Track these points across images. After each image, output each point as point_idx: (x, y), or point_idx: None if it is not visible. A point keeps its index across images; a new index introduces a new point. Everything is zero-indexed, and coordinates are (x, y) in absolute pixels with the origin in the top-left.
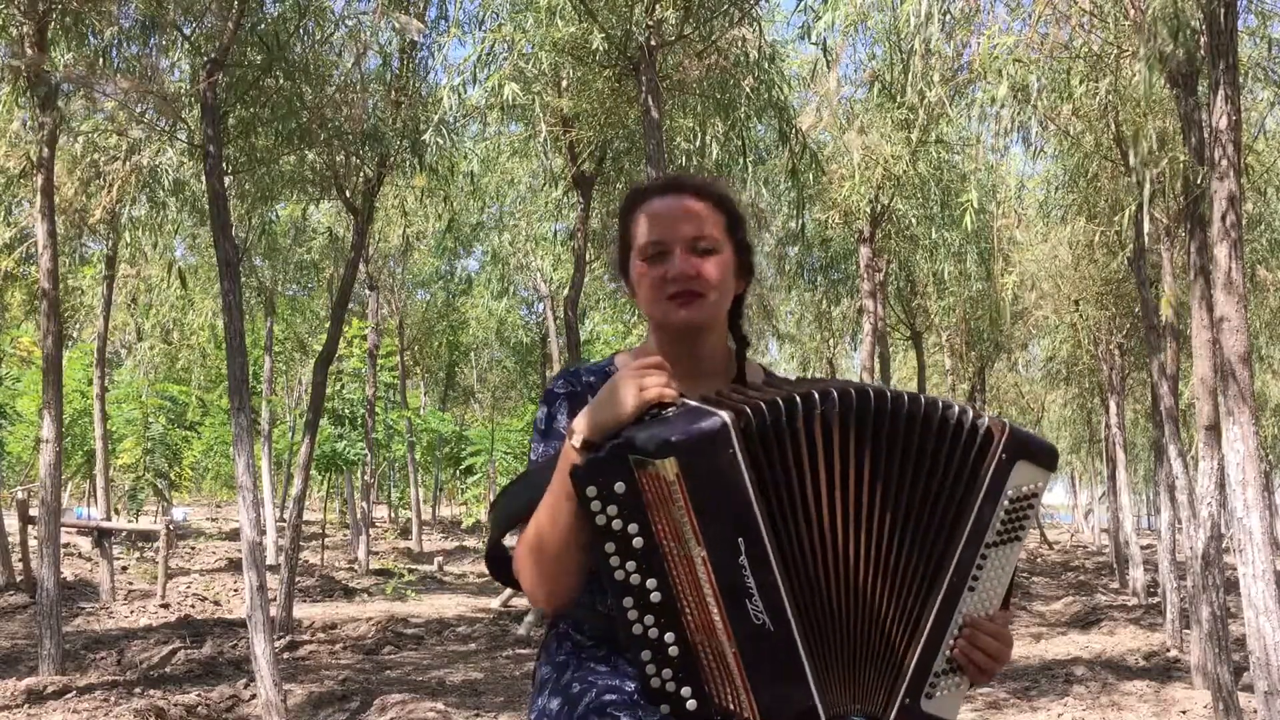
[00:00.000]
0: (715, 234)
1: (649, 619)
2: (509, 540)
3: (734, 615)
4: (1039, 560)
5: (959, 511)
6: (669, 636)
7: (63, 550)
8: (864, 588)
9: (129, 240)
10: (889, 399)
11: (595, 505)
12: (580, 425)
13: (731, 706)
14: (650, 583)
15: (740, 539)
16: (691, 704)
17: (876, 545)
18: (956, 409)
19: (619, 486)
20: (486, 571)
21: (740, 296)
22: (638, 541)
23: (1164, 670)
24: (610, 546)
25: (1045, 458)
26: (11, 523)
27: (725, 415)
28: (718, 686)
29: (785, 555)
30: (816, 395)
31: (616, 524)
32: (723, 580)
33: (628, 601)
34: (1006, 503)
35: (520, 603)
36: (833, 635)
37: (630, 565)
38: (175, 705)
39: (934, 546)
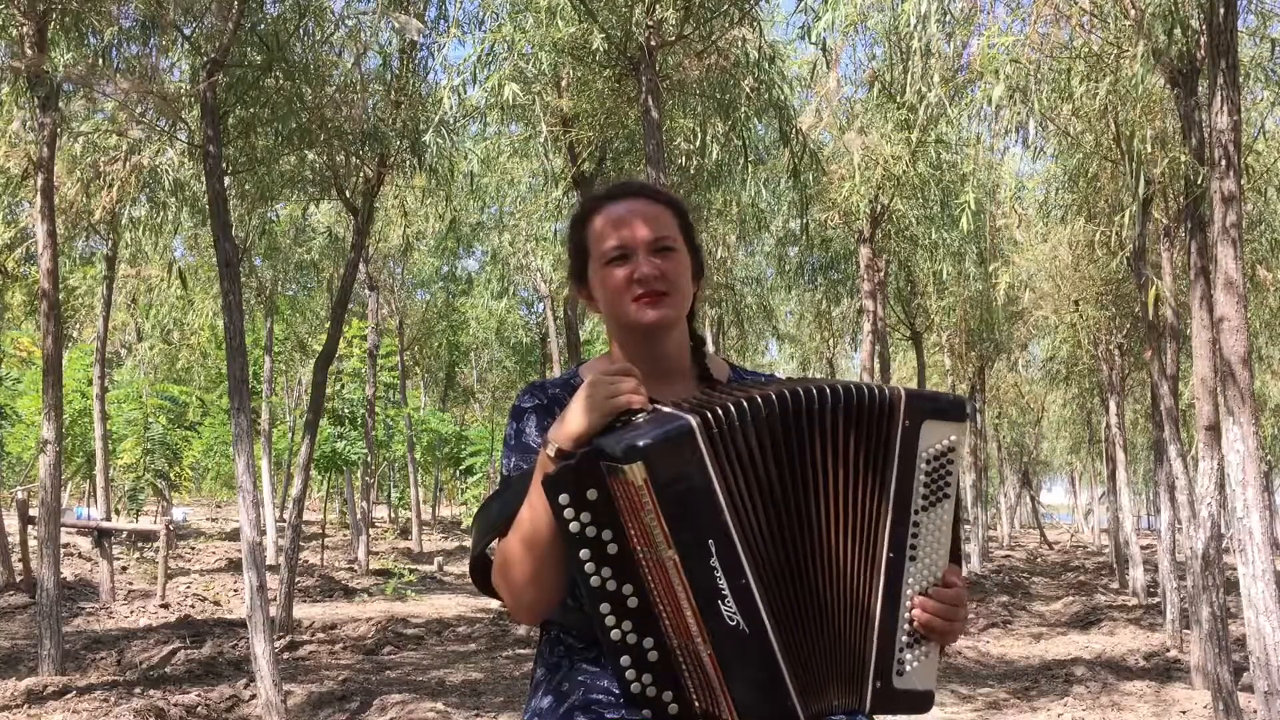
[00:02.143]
0: (673, 235)
1: (627, 624)
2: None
3: (709, 618)
4: (1039, 560)
5: (881, 488)
6: (648, 641)
7: (63, 550)
8: (829, 580)
9: (129, 240)
10: (832, 393)
11: (568, 513)
12: (553, 435)
13: (711, 709)
14: (627, 588)
15: (711, 541)
16: (673, 708)
17: (835, 537)
18: (866, 390)
19: (591, 493)
20: (479, 590)
21: (693, 298)
22: (612, 548)
23: (1164, 670)
24: (585, 553)
25: (951, 411)
26: (11, 523)
27: (691, 419)
28: (697, 690)
29: (756, 556)
30: (775, 395)
31: (590, 531)
32: (696, 583)
33: (605, 607)
34: (924, 465)
35: None
36: (807, 632)
37: (606, 571)
38: (175, 705)
39: (869, 528)
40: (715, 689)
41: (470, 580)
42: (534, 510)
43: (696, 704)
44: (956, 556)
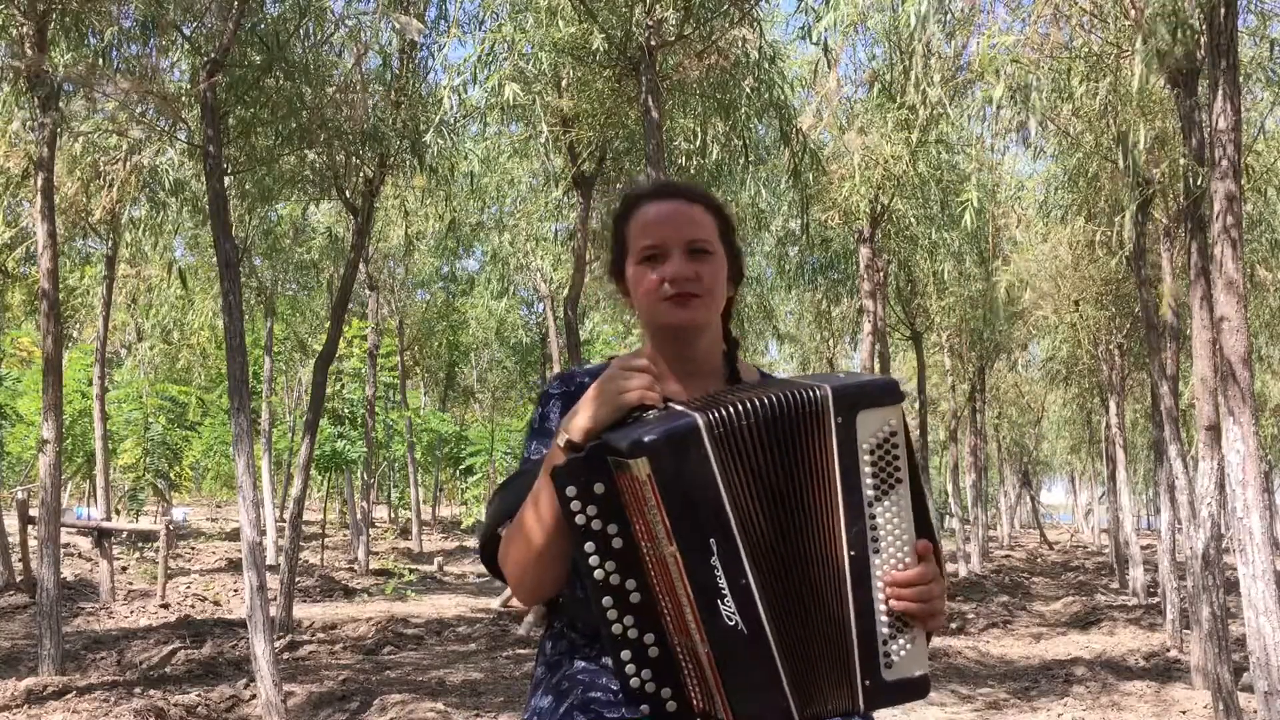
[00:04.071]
0: (710, 237)
1: (629, 619)
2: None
3: (707, 616)
4: (1039, 560)
5: (828, 488)
6: (649, 637)
7: (63, 550)
8: (812, 583)
9: (129, 240)
10: (833, 394)
11: (575, 505)
12: (565, 426)
13: (708, 709)
14: (630, 583)
15: (712, 539)
16: (671, 705)
17: (814, 539)
18: (809, 391)
19: (598, 487)
20: (486, 571)
21: (730, 300)
22: (616, 542)
23: (1164, 670)
24: (590, 546)
25: (883, 397)
26: (11, 523)
27: (698, 417)
28: (695, 688)
29: (756, 556)
30: (787, 396)
31: (596, 524)
32: (696, 581)
33: (607, 601)
34: (867, 457)
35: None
36: (801, 635)
37: (610, 565)
38: (175, 705)
39: (830, 529)
40: (712, 688)
41: (464, 577)
42: (541, 499)
43: (695, 703)
44: (927, 532)
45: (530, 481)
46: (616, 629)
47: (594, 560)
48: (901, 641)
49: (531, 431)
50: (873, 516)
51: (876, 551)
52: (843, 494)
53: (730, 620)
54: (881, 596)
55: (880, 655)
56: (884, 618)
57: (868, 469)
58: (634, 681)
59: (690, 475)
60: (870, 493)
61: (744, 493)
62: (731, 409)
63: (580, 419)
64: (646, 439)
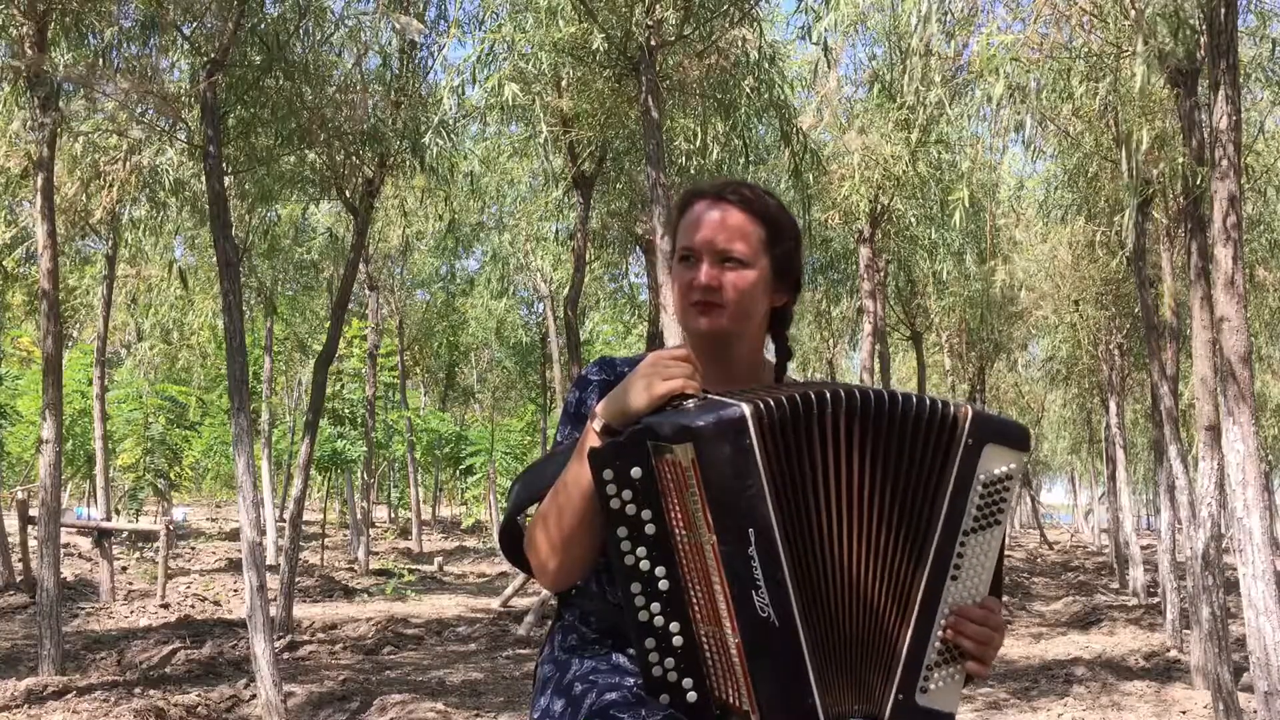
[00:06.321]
0: (746, 248)
1: (655, 606)
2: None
3: (740, 606)
4: (1039, 560)
5: (932, 502)
6: (674, 626)
7: (63, 550)
8: (862, 585)
9: (129, 240)
10: (891, 399)
11: (610, 489)
12: (601, 410)
13: (731, 700)
14: (659, 570)
15: (751, 530)
16: (692, 695)
17: (874, 543)
18: (928, 401)
19: (635, 471)
20: (486, 571)
21: (782, 310)
22: (650, 528)
23: (1164, 670)
24: (622, 531)
25: (1015, 438)
26: (11, 523)
27: (745, 407)
28: (719, 679)
29: (794, 550)
30: (829, 395)
31: (630, 509)
32: (731, 570)
33: (635, 588)
34: (980, 488)
35: (520, 602)
36: (834, 632)
37: (641, 551)
38: (175, 705)
39: (913, 540)
40: (739, 679)
41: (464, 577)
42: (574, 481)
43: (717, 694)
44: (998, 589)
45: (558, 466)
46: (643, 616)
47: (625, 545)
48: (946, 671)
49: (565, 416)
50: (963, 544)
51: (955, 579)
52: (946, 511)
53: (763, 612)
54: (943, 622)
55: (921, 676)
56: (937, 643)
57: (977, 499)
58: (655, 670)
59: (734, 464)
60: (970, 522)
61: (788, 487)
62: (779, 402)
63: (618, 403)
64: (692, 425)
